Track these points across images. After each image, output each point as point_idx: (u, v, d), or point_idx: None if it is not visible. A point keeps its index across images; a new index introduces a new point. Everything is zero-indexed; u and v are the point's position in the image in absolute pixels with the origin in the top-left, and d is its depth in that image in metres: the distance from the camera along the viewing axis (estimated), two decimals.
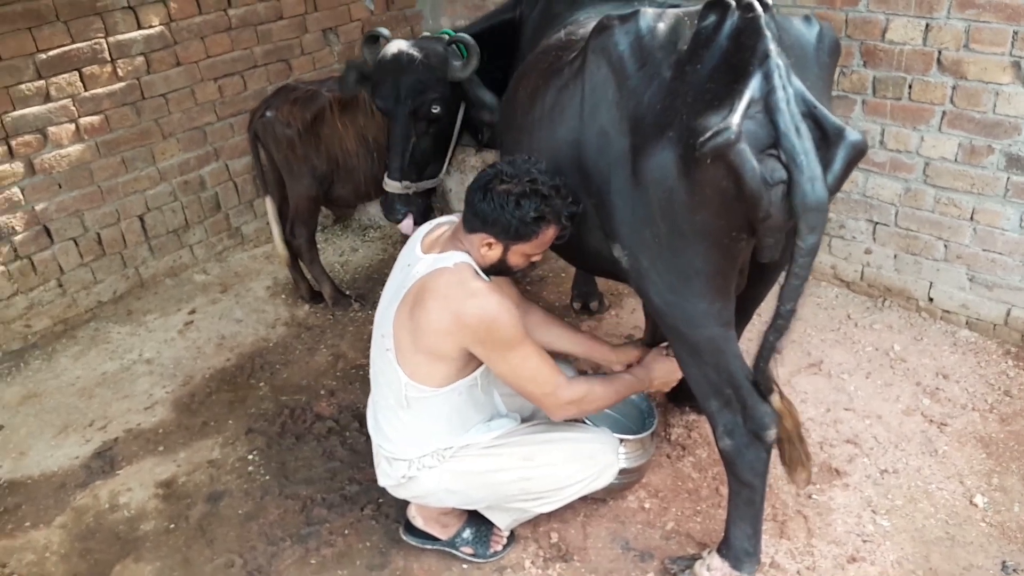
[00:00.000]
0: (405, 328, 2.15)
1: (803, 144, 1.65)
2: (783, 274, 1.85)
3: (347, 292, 4.00)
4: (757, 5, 1.72)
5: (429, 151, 3.09)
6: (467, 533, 2.53)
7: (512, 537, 2.56)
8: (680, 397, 3.00)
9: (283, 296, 4.08)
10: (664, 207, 1.87)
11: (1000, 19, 2.90)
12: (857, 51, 3.29)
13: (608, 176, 2.02)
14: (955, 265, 3.36)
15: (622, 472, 2.48)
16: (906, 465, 2.77)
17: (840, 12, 3.27)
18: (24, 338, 3.75)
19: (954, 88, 3.10)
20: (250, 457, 3.01)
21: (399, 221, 3.15)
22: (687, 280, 1.95)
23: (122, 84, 3.82)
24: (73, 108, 3.68)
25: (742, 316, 2.33)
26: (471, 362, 2.20)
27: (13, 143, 3.53)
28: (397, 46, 2.94)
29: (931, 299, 3.48)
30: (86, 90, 3.70)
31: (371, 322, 2.36)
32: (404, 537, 2.58)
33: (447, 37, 3.02)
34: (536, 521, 2.58)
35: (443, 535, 2.53)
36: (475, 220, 2.11)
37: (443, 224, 2.35)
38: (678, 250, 1.92)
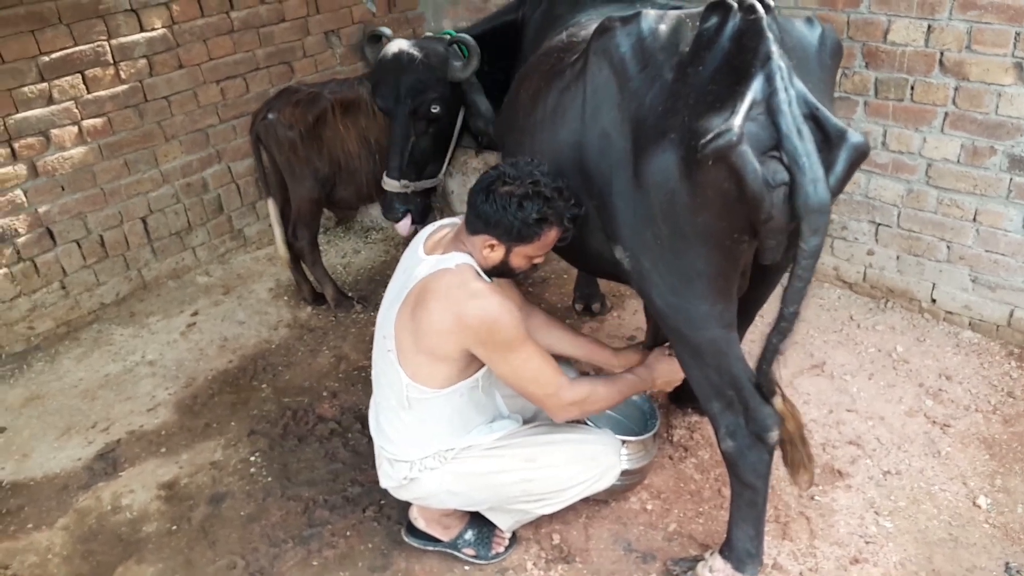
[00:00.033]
0: (407, 329, 2.15)
1: (805, 146, 1.65)
2: (785, 276, 1.85)
3: (349, 294, 4.00)
4: (759, 7, 1.72)
5: (428, 151, 3.09)
6: (469, 534, 2.53)
7: (514, 538, 2.56)
8: (682, 398, 2.99)
9: (285, 298, 4.09)
10: (666, 209, 1.87)
11: (1002, 20, 2.89)
12: (859, 52, 3.29)
13: (610, 178, 2.02)
14: (958, 266, 3.35)
15: (624, 473, 2.48)
16: (909, 466, 2.76)
17: (842, 13, 3.27)
18: (27, 340, 3.76)
19: (956, 89, 3.10)
20: (252, 459, 3.01)
21: (398, 220, 3.16)
22: (689, 282, 1.95)
23: (125, 86, 3.82)
24: (76, 110, 3.69)
25: (744, 318, 2.32)
26: (472, 363, 2.20)
27: (16, 145, 3.54)
28: (398, 45, 2.95)
29: (934, 300, 3.48)
30: (89, 92, 3.71)
31: (373, 324, 2.36)
32: (406, 539, 2.58)
33: (448, 37, 3.02)
34: (538, 522, 2.57)
35: (445, 536, 2.53)
36: (477, 222, 2.11)
37: (446, 226, 2.36)
38: (680, 252, 1.92)
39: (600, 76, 2.02)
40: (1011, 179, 3.08)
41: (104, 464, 3.04)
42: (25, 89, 3.50)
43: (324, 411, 3.22)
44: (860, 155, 1.70)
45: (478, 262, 2.16)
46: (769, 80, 1.67)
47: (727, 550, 2.29)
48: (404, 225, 3.15)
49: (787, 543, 2.49)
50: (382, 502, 2.73)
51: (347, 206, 4.10)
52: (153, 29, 3.85)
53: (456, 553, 2.53)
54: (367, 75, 3.46)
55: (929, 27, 3.07)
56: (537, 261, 2.23)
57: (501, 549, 2.52)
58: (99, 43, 3.69)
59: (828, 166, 1.67)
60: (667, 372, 2.43)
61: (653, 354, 2.47)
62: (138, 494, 2.89)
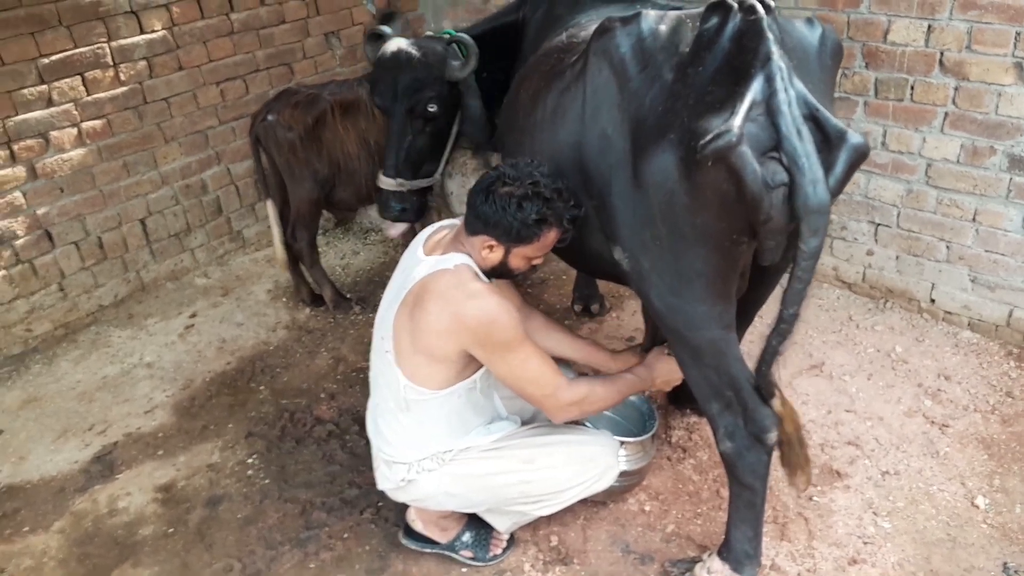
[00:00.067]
0: (405, 329, 2.15)
1: (805, 147, 1.65)
2: (785, 277, 1.85)
3: (348, 295, 4.00)
4: (759, 7, 1.72)
5: (425, 150, 3.10)
6: (467, 536, 2.52)
7: (512, 540, 2.55)
8: (681, 399, 2.99)
9: (284, 299, 4.08)
10: (665, 209, 1.87)
11: (1002, 20, 2.89)
12: (859, 53, 3.29)
13: (609, 178, 2.02)
14: (957, 266, 3.35)
15: (622, 475, 2.48)
16: (907, 467, 2.76)
17: (842, 14, 3.27)
18: (25, 342, 3.75)
19: (956, 89, 3.10)
20: (250, 461, 3.01)
21: (394, 218, 3.15)
22: (688, 283, 1.95)
23: (124, 88, 3.82)
24: (75, 112, 3.69)
25: (743, 319, 2.32)
26: (470, 365, 2.20)
27: (15, 147, 3.53)
28: (396, 44, 2.95)
29: (933, 300, 3.48)
30: (88, 94, 3.71)
31: (372, 325, 2.36)
32: (403, 541, 2.57)
33: (447, 37, 3.03)
34: (536, 524, 2.57)
35: (442, 539, 2.53)
36: (477, 222, 2.11)
37: (445, 227, 2.36)
38: (679, 253, 1.92)
39: (600, 76, 2.02)
40: (1011, 179, 3.08)
41: (101, 467, 3.03)
42: (25, 91, 3.50)
43: (322, 413, 3.22)
44: (860, 156, 1.69)
45: (477, 263, 2.16)
46: (769, 81, 1.67)
47: (725, 551, 2.28)
48: (395, 227, 3.15)
49: (785, 544, 2.49)
50: (379, 504, 2.72)
51: (346, 207, 4.10)
52: (153, 31, 3.84)
53: (454, 555, 2.52)
54: (366, 76, 3.46)
55: (929, 27, 3.07)
56: (536, 262, 2.23)
57: (499, 551, 2.51)
58: (99, 45, 3.69)
59: (828, 167, 1.67)
60: (666, 372, 2.42)
61: (652, 354, 2.47)
62: (135, 497, 2.88)
